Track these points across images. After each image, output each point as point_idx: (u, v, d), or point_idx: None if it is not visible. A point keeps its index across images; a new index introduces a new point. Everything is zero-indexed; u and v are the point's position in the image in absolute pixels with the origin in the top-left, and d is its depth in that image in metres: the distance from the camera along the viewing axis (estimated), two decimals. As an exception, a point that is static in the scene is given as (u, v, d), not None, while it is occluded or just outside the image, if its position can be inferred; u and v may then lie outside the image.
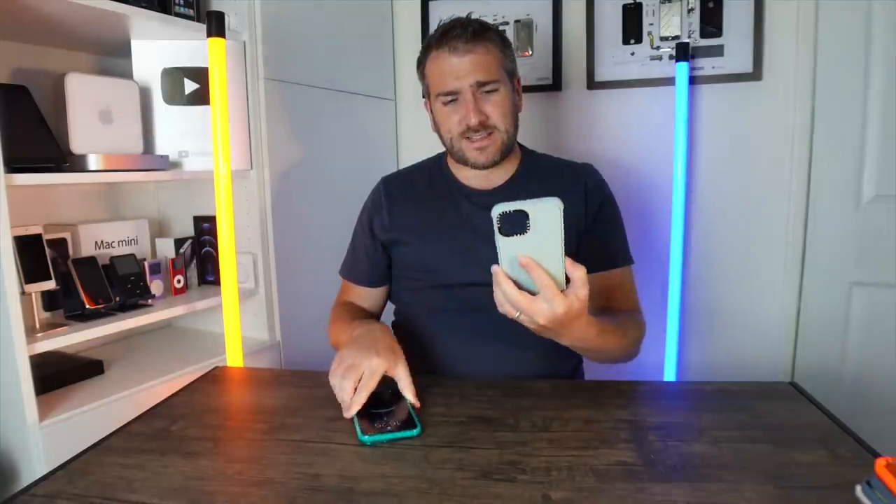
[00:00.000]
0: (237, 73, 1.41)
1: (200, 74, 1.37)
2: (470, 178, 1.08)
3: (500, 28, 1.84)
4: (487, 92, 0.98)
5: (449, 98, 1.00)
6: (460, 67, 0.97)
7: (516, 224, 0.68)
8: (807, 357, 1.66)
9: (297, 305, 1.57)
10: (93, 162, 1.17)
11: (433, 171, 1.12)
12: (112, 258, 1.34)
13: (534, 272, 0.68)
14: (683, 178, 1.65)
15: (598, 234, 1.05)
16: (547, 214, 0.67)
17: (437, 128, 1.06)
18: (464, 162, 1.04)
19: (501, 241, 0.69)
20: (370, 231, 1.11)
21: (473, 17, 1.01)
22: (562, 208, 0.67)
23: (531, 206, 0.67)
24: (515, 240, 0.68)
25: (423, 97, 1.09)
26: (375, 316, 1.15)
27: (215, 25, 1.17)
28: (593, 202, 1.06)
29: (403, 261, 1.09)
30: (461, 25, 0.98)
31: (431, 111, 1.06)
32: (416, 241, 1.06)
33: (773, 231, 1.68)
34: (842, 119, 1.57)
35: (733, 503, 0.57)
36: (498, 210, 0.67)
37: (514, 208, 0.67)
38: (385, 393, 0.83)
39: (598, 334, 0.81)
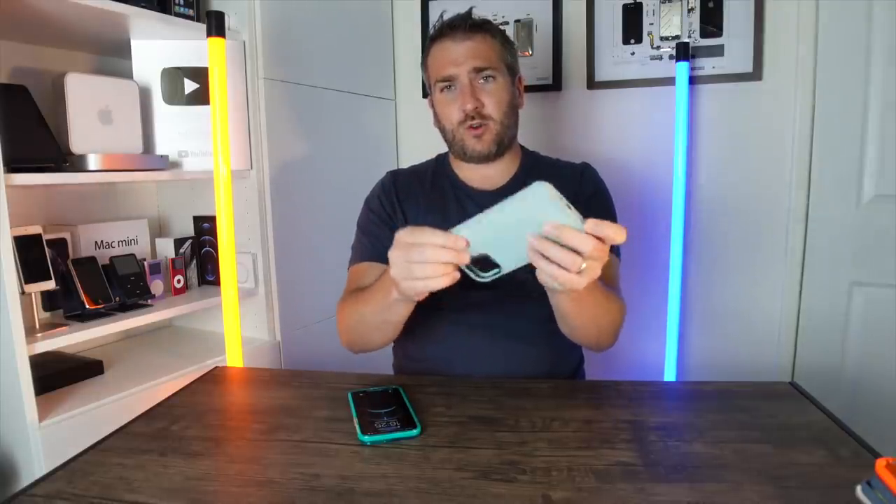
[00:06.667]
0: (237, 73, 1.41)
1: (200, 74, 1.37)
2: (472, 178, 1.08)
3: (500, 28, 1.85)
4: (485, 81, 1.00)
5: (446, 84, 1.01)
6: (458, 53, 0.99)
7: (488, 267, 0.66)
8: (807, 357, 1.66)
9: (297, 305, 1.57)
10: (92, 162, 1.17)
11: (436, 172, 1.12)
12: (112, 258, 1.34)
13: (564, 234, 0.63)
14: (683, 178, 1.65)
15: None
16: (485, 234, 0.64)
17: (438, 122, 1.06)
18: (462, 154, 1.03)
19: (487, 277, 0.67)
20: (387, 215, 1.08)
21: (474, 16, 1.03)
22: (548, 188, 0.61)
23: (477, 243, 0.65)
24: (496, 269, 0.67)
25: (426, 95, 1.09)
26: None
27: (215, 25, 1.17)
28: (587, 193, 1.07)
29: None
30: (462, 18, 1.02)
31: (433, 106, 1.07)
32: None
33: (773, 231, 1.68)
34: (842, 119, 1.57)
35: (733, 503, 0.57)
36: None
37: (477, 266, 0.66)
38: (385, 393, 0.83)
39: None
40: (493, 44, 1.01)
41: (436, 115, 1.06)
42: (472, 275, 0.67)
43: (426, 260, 0.66)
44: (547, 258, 0.64)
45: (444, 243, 0.65)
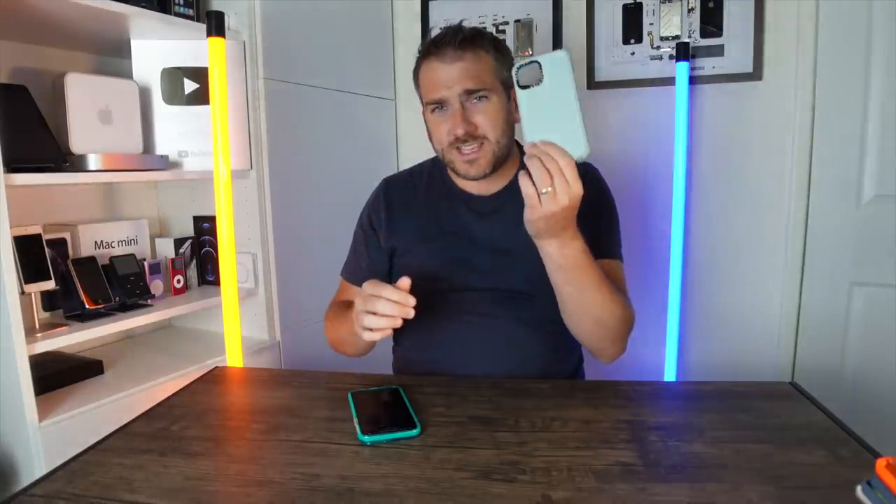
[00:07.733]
0: (237, 73, 1.41)
1: (200, 74, 1.37)
2: (468, 183, 1.07)
3: (501, 28, 1.85)
4: (477, 100, 0.95)
5: (437, 107, 0.97)
6: (448, 75, 0.94)
7: (532, 76, 0.74)
8: (807, 357, 1.66)
9: (297, 305, 1.57)
10: (92, 162, 1.17)
11: (433, 174, 1.11)
12: (112, 258, 1.34)
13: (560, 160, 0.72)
14: (683, 178, 1.65)
15: (591, 225, 1.04)
16: (556, 63, 0.72)
17: (430, 138, 1.04)
18: (455, 172, 1.02)
19: (521, 94, 0.74)
20: (372, 231, 1.10)
21: (473, 19, 1.00)
22: (569, 56, 0.73)
23: (542, 57, 0.74)
24: (533, 90, 0.74)
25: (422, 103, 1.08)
26: None
27: (215, 25, 1.17)
28: (590, 198, 1.05)
29: (402, 266, 1.09)
30: (452, 32, 0.96)
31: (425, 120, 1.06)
32: (415, 247, 1.06)
33: (773, 231, 1.68)
34: (842, 119, 1.57)
35: (733, 503, 0.57)
36: (515, 66, 0.75)
37: (527, 61, 0.74)
38: (385, 393, 0.83)
39: (584, 252, 0.82)
40: (485, 60, 0.96)
41: (428, 130, 1.04)
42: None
43: (375, 310, 0.79)
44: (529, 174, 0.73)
45: (397, 298, 0.77)
